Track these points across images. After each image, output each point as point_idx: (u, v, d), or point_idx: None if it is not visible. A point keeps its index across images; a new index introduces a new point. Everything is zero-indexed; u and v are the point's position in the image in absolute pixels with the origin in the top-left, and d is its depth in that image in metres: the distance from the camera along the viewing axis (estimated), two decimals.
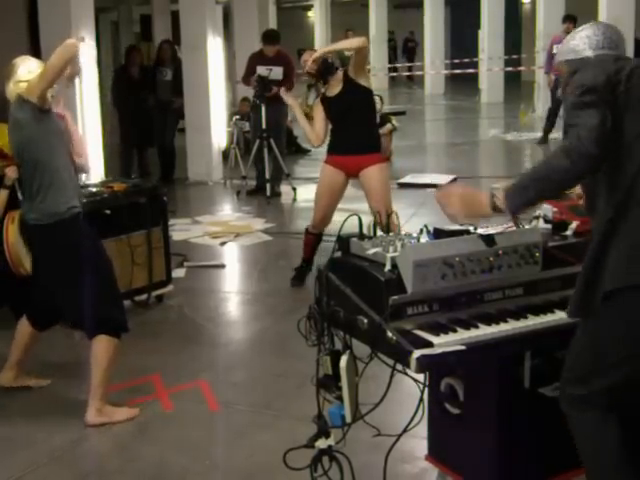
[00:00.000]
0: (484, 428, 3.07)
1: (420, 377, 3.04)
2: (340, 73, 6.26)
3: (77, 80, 4.51)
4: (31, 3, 10.76)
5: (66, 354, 5.28)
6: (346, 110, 6.22)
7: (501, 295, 2.89)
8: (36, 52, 8.74)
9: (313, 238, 6.68)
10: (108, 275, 4.55)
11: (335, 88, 6.27)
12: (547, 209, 3.29)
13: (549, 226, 3.24)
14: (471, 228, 3.05)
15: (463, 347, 2.64)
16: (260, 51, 10.41)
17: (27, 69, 4.41)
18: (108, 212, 5.79)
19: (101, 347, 4.40)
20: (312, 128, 6.40)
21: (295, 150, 13.10)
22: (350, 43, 6.33)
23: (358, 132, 6.28)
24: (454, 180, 10.89)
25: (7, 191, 5.12)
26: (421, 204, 9.35)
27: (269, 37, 10.38)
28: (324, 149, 6.64)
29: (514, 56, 22.15)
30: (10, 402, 4.72)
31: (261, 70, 9.91)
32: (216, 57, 11.68)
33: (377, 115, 12.66)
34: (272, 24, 18.35)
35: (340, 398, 2.99)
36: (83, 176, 8.15)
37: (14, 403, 4.71)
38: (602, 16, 14.65)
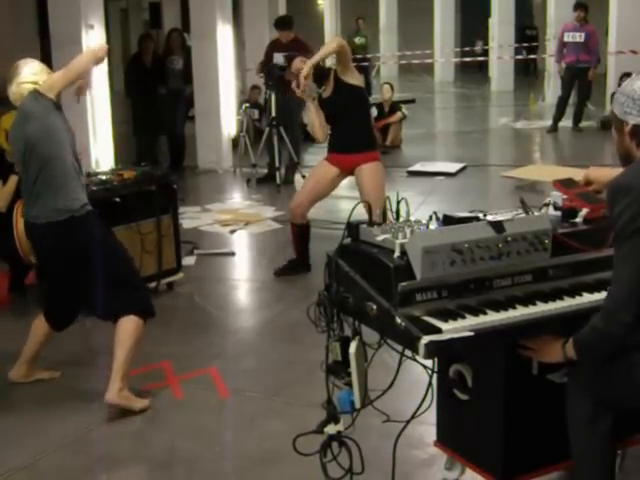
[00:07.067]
0: (492, 414, 3.08)
1: (429, 363, 3.06)
2: (332, 74, 6.29)
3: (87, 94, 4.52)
4: None
5: (78, 342, 5.30)
6: (338, 111, 6.27)
7: (510, 282, 2.89)
8: (44, 41, 8.77)
9: (296, 228, 6.68)
10: (129, 262, 4.63)
11: (328, 89, 6.32)
12: (557, 196, 3.28)
13: (559, 213, 3.24)
14: (480, 215, 3.05)
15: (471, 333, 2.64)
16: (276, 38, 10.38)
17: (31, 71, 4.42)
18: (117, 200, 5.82)
19: (129, 327, 4.39)
20: (320, 124, 6.38)
21: (304, 138, 13.07)
22: (327, 49, 6.24)
23: (352, 131, 6.34)
24: (463, 168, 10.87)
25: (17, 177, 5.14)
26: (430, 192, 9.34)
27: (280, 23, 10.34)
28: None
29: (524, 44, 22.05)
30: (21, 390, 4.75)
31: (277, 58, 9.83)
32: (226, 45, 11.66)
33: (388, 104, 12.78)
34: (281, 12, 18.27)
35: (349, 384, 3.00)
36: (93, 165, 8.20)
37: (25, 391, 4.74)
38: (612, 4, 14.61)
